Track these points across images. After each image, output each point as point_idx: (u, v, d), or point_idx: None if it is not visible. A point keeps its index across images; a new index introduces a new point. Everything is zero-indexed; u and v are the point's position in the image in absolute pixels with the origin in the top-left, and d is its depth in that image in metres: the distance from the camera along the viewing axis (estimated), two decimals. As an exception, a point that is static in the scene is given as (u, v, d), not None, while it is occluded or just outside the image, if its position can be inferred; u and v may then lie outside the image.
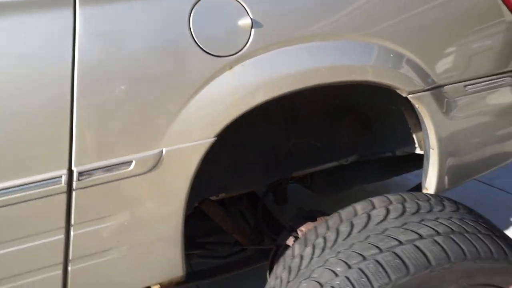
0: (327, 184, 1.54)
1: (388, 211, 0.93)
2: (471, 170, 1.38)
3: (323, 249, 0.91)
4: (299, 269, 0.92)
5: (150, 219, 0.97)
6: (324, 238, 0.93)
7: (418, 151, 1.36)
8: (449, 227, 0.86)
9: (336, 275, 0.82)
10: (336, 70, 1.01)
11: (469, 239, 0.84)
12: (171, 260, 1.05)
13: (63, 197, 0.86)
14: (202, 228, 1.44)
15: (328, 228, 0.96)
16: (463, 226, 0.88)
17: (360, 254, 0.83)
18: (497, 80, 1.30)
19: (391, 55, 1.09)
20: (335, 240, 0.91)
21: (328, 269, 0.85)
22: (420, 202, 0.95)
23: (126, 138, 0.88)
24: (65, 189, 0.85)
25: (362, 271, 0.80)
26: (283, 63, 0.95)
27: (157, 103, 0.89)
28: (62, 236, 0.90)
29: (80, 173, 0.85)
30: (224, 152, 1.27)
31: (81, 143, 0.85)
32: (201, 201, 1.38)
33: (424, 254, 0.79)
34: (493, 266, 0.83)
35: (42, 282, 0.92)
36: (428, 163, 1.27)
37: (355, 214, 0.96)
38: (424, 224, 0.87)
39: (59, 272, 0.93)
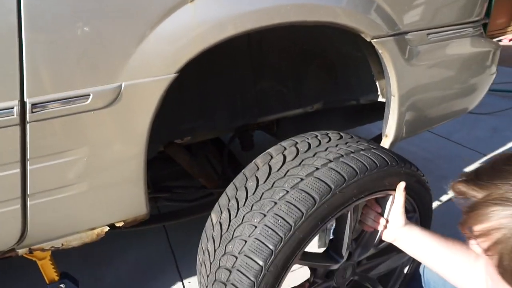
0: (292, 132, 1.57)
1: (284, 156, 1.00)
2: (428, 119, 1.44)
3: (237, 209, 0.96)
4: (221, 235, 0.97)
5: (111, 156, 0.97)
6: (236, 199, 0.98)
7: (380, 99, 1.40)
8: (337, 153, 0.97)
9: (255, 226, 0.89)
10: (303, 9, 0.99)
11: (356, 158, 0.96)
12: (134, 199, 1.06)
13: (17, 129, 0.83)
14: (168, 172, 1.45)
15: (236, 189, 1.01)
16: (348, 149, 1.00)
17: (271, 201, 0.91)
18: (459, 30, 1.33)
19: (360, -1, 1.08)
20: (246, 197, 0.96)
21: (247, 224, 0.91)
22: (309, 140, 1.04)
23: (82, 71, 0.85)
24: (17, 121, 0.82)
25: (277, 214, 0.88)
26: (247, -2, 0.93)
27: (113, 36, 0.85)
28: (17, 170, 0.88)
29: (34, 105, 0.82)
30: (190, 94, 1.26)
31: (33, 75, 0.81)
32: (167, 144, 1.38)
33: (324, 182, 0.90)
34: (379, 174, 0.97)
35: (2, 216, 0.91)
36: (388, 111, 1.31)
37: (258, 169, 1.01)
38: (318, 157, 0.97)
39: (17, 206, 0.92)
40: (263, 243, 0.87)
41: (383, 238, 1.08)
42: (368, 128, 2.05)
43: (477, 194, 0.58)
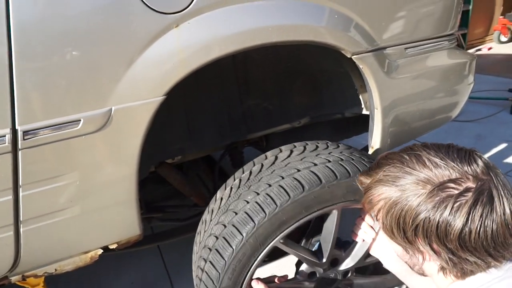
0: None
1: (291, 151, 1.12)
2: (412, 129, 1.48)
3: (238, 187, 1.08)
4: (219, 207, 1.08)
5: (103, 180, 0.98)
6: (240, 179, 1.10)
7: (364, 111, 1.44)
8: (338, 156, 1.08)
9: (247, 202, 1.01)
10: (284, 29, 1.04)
11: (352, 163, 1.07)
12: (127, 221, 1.07)
13: (8, 157, 0.85)
14: (160, 192, 1.46)
15: (243, 172, 1.13)
16: (345, 154, 1.11)
17: (267, 183, 1.02)
18: (435, 43, 1.39)
19: (339, 17, 1.13)
20: (248, 178, 1.08)
21: (241, 200, 1.03)
22: (319, 144, 1.17)
23: (72, 97, 0.88)
24: (9, 148, 0.84)
25: (268, 194, 0.99)
26: (230, 21, 0.97)
27: (102, 62, 0.88)
28: (10, 197, 0.89)
29: (25, 132, 0.84)
30: (178, 114, 1.29)
31: (24, 102, 0.84)
32: (158, 164, 1.40)
33: (317, 175, 1.00)
34: None
35: (-7, 244, 0.92)
36: (373, 123, 1.36)
37: (266, 158, 1.13)
38: (319, 157, 1.08)
39: (10, 233, 0.93)
40: (249, 216, 0.97)
41: (371, 252, 1.10)
42: (356, 140, 2.09)
43: (367, 181, 0.81)
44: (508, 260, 0.70)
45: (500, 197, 0.66)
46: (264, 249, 0.99)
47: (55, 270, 1.05)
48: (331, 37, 1.12)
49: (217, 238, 1.01)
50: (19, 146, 0.85)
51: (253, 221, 0.96)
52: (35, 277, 1.04)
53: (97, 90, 0.89)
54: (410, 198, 0.70)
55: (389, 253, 1.05)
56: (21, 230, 0.93)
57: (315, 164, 1.03)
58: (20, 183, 0.89)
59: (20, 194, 0.90)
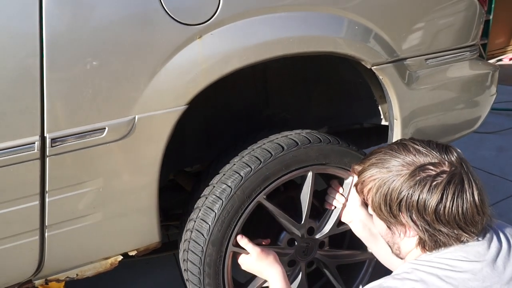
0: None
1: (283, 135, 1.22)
2: (432, 140, 1.46)
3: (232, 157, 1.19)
4: (212, 178, 1.17)
5: (125, 186, 1.00)
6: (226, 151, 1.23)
7: (383, 122, 1.43)
8: (312, 132, 1.23)
9: (234, 164, 1.13)
10: (304, 40, 1.05)
11: (325, 135, 1.23)
12: (147, 228, 1.08)
13: (37, 163, 0.88)
14: (178, 199, 1.47)
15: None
16: (323, 132, 1.26)
17: (251, 149, 1.16)
18: (457, 54, 1.37)
19: (360, 28, 1.14)
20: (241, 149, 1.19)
21: (229, 164, 1.15)
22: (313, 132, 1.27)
23: (98, 106, 0.90)
24: (38, 155, 0.87)
25: (253, 155, 1.13)
26: (252, 33, 0.99)
27: (127, 72, 0.91)
28: (37, 203, 0.92)
29: (53, 140, 0.87)
30: (197, 123, 1.31)
31: (53, 111, 0.87)
32: (176, 172, 1.41)
33: (294, 140, 1.16)
34: (340, 149, 1.23)
35: (21, 248, 0.95)
36: (392, 134, 1.34)
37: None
38: (295, 132, 1.22)
39: (36, 238, 0.95)
40: (237, 172, 1.10)
41: (342, 218, 1.25)
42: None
43: (359, 167, 0.95)
44: (477, 239, 0.82)
45: (470, 181, 0.81)
46: (250, 203, 1.11)
47: (77, 275, 1.07)
48: (351, 48, 1.13)
49: (206, 197, 1.13)
50: (47, 153, 0.88)
51: (240, 175, 1.09)
52: (57, 281, 1.06)
53: (121, 99, 0.92)
54: (396, 177, 0.84)
55: (357, 220, 1.22)
56: (46, 235, 0.96)
57: (293, 134, 1.20)
58: (47, 189, 0.92)
59: (46, 199, 0.92)
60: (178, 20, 0.91)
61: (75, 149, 0.90)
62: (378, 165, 0.89)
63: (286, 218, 1.20)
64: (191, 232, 1.14)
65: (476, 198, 0.80)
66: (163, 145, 0.99)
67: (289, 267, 1.29)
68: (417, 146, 0.86)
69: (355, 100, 1.47)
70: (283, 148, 1.12)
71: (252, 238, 1.18)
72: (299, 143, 1.14)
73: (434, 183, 0.79)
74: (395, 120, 1.31)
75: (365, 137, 1.66)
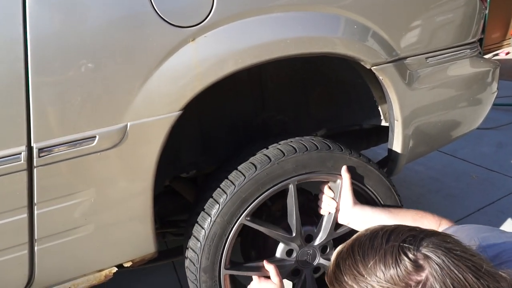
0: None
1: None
2: (433, 141, 1.43)
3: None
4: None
5: (119, 196, 0.96)
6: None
7: (383, 123, 1.40)
8: (290, 140, 1.18)
9: (212, 188, 1.12)
10: (302, 41, 1.01)
11: (301, 142, 1.16)
12: (141, 237, 1.05)
13: (24, 174, 0.84)
14: (174, 206, 1.44)
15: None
16: (301, 139, 1.19)
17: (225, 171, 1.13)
18: (457, 52, 1.34)
19: (358, 27, 1.10)
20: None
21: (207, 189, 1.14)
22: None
23: (88, 113, 0.86)
24: (25, 166, 0.83)
25: (227, 178, 1.11)
26: (248, 34, 0.95)
27: (118, 78, 0.87)
28: (25, 216, 0.88)
29: (41, 149, 0.83)
30: (192, 128, 1.27)
31: (40, 119, 0.83)
32: (172, 179, 1.37)
33: (267, 156, 1.11)
34: (320, 155, 1.15)
35: (8, 263, 0.90)
36: (393, 135, 1.31)
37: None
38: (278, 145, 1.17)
39: (25, 252, 0.91)
40: (214, 200, 1.09)
41: (339, 221, 1.20)
42: (374, 150, 2.04)
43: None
44: None
45: (444, 285, 0.58)
46: (233, 227, 1.09)
47: (69, 288, 1.03)
48: (350, 49, 1.09)
49: (193, 225, 1.12)
50: (34, 164, 0.84)
51: (217, 202, 1.08)
52: (49, 295, 1.02)
53: (112, 106, 0.88)
54: None
55: (355, 220, 1.16)
56: (36, 248, 0.92)
57: (264, 150, 1.15)
58: (35, 201, 0.88)
59: (35, 212, 0.88)
60: (170, 22, 0.87)
61: (65, 158, 0.86)
62: None
63: (276, 234, 1.17)
64: (186, 259, 1.17)
65: None
66: (157, 153, 0.95)
67: (294, 276, 1.26)
68: (364, 278, 0.65)
69: (354, 101, 1.44)
70: (255, 167, 1.08)
71: (251, 251, 1.16)
72: (272, 159, 1.09)
73: None
74: (395, 121, 1.28)
75: (365, 138, 1.62)
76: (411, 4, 1.21)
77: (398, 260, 0.61)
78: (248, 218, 1.11)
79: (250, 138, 1.28)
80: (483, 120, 1.59)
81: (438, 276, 0.58)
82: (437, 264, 0.59)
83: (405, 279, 0.60)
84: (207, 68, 0.92)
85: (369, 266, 0.64)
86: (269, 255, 1.22)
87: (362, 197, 1.25)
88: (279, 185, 1.11)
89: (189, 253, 1.14)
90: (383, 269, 0.62)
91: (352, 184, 1.17)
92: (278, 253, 1.22)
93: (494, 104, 1.58)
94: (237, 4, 0.93)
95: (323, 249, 1.27)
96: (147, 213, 1.01)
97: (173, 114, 0.93)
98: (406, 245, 0.62)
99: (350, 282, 0.66)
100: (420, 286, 0.58)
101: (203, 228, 1.08)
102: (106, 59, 0.85)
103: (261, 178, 1.08)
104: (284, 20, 0.99)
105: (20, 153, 0.82)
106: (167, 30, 0.88)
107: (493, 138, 2.91)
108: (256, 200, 1.09)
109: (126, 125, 0.89)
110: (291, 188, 1.14)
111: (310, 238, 1.24)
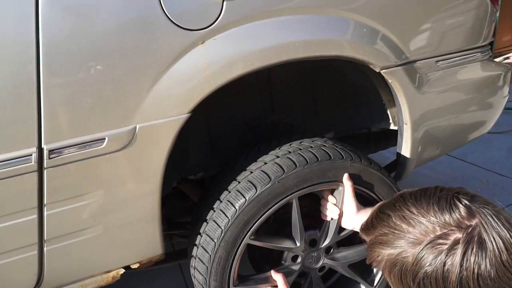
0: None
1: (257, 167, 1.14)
2: (443, 145, 1.42)
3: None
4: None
5: (127, 197, 0.97)
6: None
7: (392, 127, 1.39)
8: (286, 150, 1.15)
9: (214, 210, 1.12)
10: (310, 45, 1.01)
11: (299, 154, 1.12)
12: (149, 239, 1.05)
13: (34, 176, 0.84)
14: (181, 208, 1.44)
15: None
16: (297, 146, 1.17)
17: (226, 190, 1.13)
18: (468, 55, 1.33)
19: (367, 30, 1.10)
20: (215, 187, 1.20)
21: (209, 208, 1.14)
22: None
23: (97, 115, 0.87)
24: (35, 167, 0.84)
25: (228, 201, 1.09)
26: (257, 37, 0.95)
27: (127, 80, 0.87)
28: (35, 216, 0.88)
29: (51, 151, 0.84)
30: (200, 131, 1.27)
31: (51, 121, 0.84)
32: (180, 180, 1.38)
33: (266, 174, 1.08)
34: (320, 167, 1.11)
35: (18, 264, 0.91)
36: (402, 139, 1.30)
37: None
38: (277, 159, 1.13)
39: (35, 252, 0.92)
40: (217, 224, 1.08)
41: (343, 226, 1.20)
42: (382, 153, 2.03)
43: (367, 238, 0.79)
44: None
45: (492, 237, 0.64)
46: (238, 248, 1.09)
47: (77, 289, 1.03)
48: (359, 52, 1.09)
49: (198, 247, 1.13)
50: (45, 165, 0.85)
51: (219, 227, 1.07)
52: (57, 296, 1.03)
53: (122, 108, 0.88)
54: (405, 258, 0.72)
55: (359, 223, 1.11)
56: (45, 249, 0.92)
57: (263, 166, 1.11)
58: (45, 202, 0.88)
59: (45, 213, 0.89)
60: (180, 25, 0.88)
61: (74, 160, 0.87)
62: (382, 245, 0.77)
63: (280, 247, 1.18)
64: (194, 279, 1.18)
65: (505, 253, 0.64)
66: (165, 155, 0.95)
67: (300, 277, 1.27)
68: (415, 216, 0.71)
69: (362, 104, 1.43)
70: (256, 188, 1.06)
71: (258, 259, 1.17)
72: (272, 177, 1.06)
73: (449, 259, 0.66)
74: (404, 125, 1.27)
75: (373, 141, 1.61)
76: (421, 6, 1.20)
77: (453, 204, 0.68)
78: (252, 237, 1.11)
79: (258, 140, 1.28)
80: (493, 124, 1.57)
81: (488, 225, 0.64)
82: (487, 216, 0.65)
83: (457, 222, 0.66)
84: (216, 71, 0.92)
85: (422, 206, 0.70)
86: (277, 261, 1.22)
87: (366, 200, 1.24)
88: (282, 201, 1.10)
89: (196, 276, 1.15)
90: (437, 209, 0.68)
91: (355, 189, 1.17)
92: (284, 260, 1.23)
93: (505, 108, 1.56)
94: (246, 7, 0.94)
95: (327, 250, 1.28)
96: (155, 214, 1.02)
97: (182, 116, 0.93)
98: (461, 196, 0.69)
99: (396, 221, 0.72)
100: (470, 230, 0.64)
101: (207, 253, 1.09)
102: (116, 61, 0.86)
103: (262, 199, 1.06)
104: (293, 23, 0.99)
105: (31, 155, 0.83)
106: (176, 32, 0.88)
107: (503, 143, 2.87)
108: (261, 219, 1.08)
109: (135, 127, 0.90)
110: (294, 202, 1.13)
111: (314, 242, 1.24)
